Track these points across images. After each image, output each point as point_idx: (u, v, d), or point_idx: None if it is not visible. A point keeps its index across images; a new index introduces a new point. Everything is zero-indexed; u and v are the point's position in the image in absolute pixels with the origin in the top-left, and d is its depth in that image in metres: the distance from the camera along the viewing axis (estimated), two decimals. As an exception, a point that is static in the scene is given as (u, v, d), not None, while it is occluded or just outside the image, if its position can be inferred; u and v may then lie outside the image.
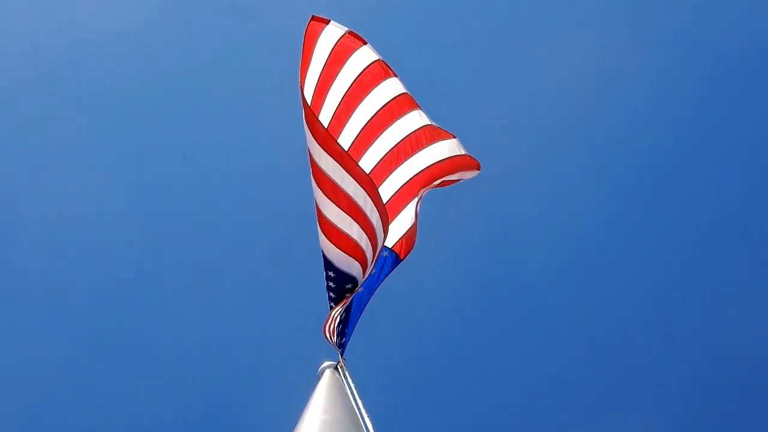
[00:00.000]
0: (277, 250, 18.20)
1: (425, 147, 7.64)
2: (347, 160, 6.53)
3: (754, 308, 17.29)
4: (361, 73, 7.52)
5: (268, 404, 15.40)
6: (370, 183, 6.56)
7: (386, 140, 7.58)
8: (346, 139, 7.32)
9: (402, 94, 7.72)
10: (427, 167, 7.58)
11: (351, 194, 6.53)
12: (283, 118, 18.56)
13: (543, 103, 18.97)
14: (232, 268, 18.48)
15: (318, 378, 5.56)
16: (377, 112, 7.57)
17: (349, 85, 7.44)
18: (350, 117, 7.41)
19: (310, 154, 6.58)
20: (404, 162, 7.55)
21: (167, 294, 18.50)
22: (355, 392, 5.19)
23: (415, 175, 7.54)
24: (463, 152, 7.77)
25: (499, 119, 18.59)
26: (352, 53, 7.47)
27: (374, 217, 6.55)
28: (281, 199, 18.51)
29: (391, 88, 7.68)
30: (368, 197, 6.50)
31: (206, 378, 17.66)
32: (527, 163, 18.95)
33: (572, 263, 18.64)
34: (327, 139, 6.51)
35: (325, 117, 7.19)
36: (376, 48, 7.63)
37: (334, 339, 6.59)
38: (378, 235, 6.62)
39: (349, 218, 6.68)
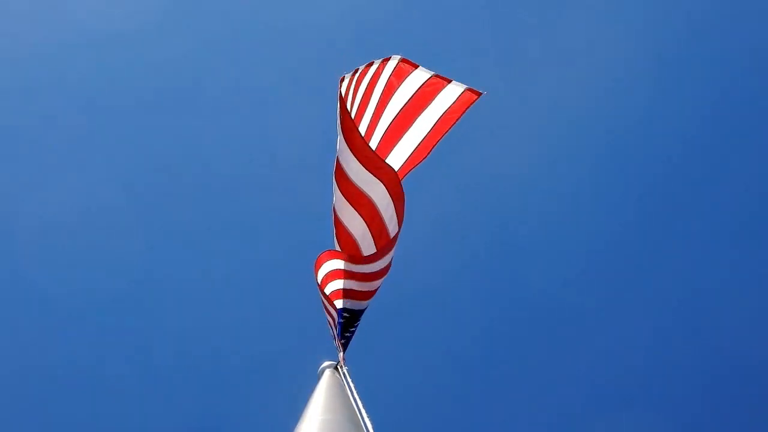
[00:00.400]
0: (278, 250, 18.23)
1: (423, 111, 7.49)
2: (378, 164, 6.55)
3: (753, 308, 17.32)
4: (389, 77, 7.60)
5: (268, 404, 15.42)
6: (399, 193, 6.54)
7: (392, 114, 7.54)
8: (375, 140, 7.38)
9: (403, 67, 7.65)
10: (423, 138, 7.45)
11: (376, 203, 6.57)
12: (285, 118, 18.61)
13: (541, 103, 18.98)
14: (232, 268, 18.51)
15: (318, 378, 5.56)
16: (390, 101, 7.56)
17: (380, 94, 7.56)
18: (380, 116, 7.48)
19: (338, 161, 6.62)
20: (405, 134, 7.46)
21: (167, 294, 18.52)
22: (355, 392, 5.19)
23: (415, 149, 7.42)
24: (458, 93, 7.51)
25: (496, 118, 18.61)
26: (383, 70, 7.61)
27: (392, 225, 6.55)
28: (282, 198, 18.53)
29: (406, 77, 7.64)
30: (391, 202, 6.50)
31: (207, 378, 17.68)
32: (526, 162, 18.96)
33: (571, 262, 18.65)
34: (359, 142, 6.54)
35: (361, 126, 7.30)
36: (373, 47, 7.69)
37: (338, 341, 6.57)
38: (390, 248, 6.65)
39: (369, 234, 6.72)
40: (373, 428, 4.57)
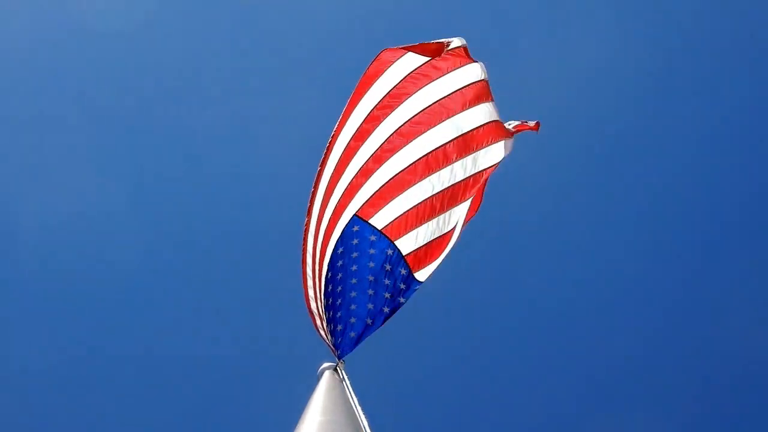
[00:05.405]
0: (278, 250, 18.19)
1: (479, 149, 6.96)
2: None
3: (753, 309, 17.32)
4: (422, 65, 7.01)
5: (268, 404, 15.41)
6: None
7: (443, 132, 6.94)
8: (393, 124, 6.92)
9: (477, 81, 7.00)
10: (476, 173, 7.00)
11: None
12: (286, 119, 18.59)
13: (539, 103, 18.94)
14: (232, 268, 18.49)
15: (317, 379, 5.57)
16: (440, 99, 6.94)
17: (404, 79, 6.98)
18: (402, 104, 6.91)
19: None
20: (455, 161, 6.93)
21: (167, 294, 18.51)
22: (353, 393, 5.20)
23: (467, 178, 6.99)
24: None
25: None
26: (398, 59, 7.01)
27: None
28: (282, 199, 18.50)
29: (462, 74, 7.04)
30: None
31: (206, 378, 17.67)
32: (524, 163, 18.92)
33: (571, 265, 18.63)
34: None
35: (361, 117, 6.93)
36: (370, 45, 7.41)
37: (328, 338, 6.43)
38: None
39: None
40: (372, 430, 4.58)
